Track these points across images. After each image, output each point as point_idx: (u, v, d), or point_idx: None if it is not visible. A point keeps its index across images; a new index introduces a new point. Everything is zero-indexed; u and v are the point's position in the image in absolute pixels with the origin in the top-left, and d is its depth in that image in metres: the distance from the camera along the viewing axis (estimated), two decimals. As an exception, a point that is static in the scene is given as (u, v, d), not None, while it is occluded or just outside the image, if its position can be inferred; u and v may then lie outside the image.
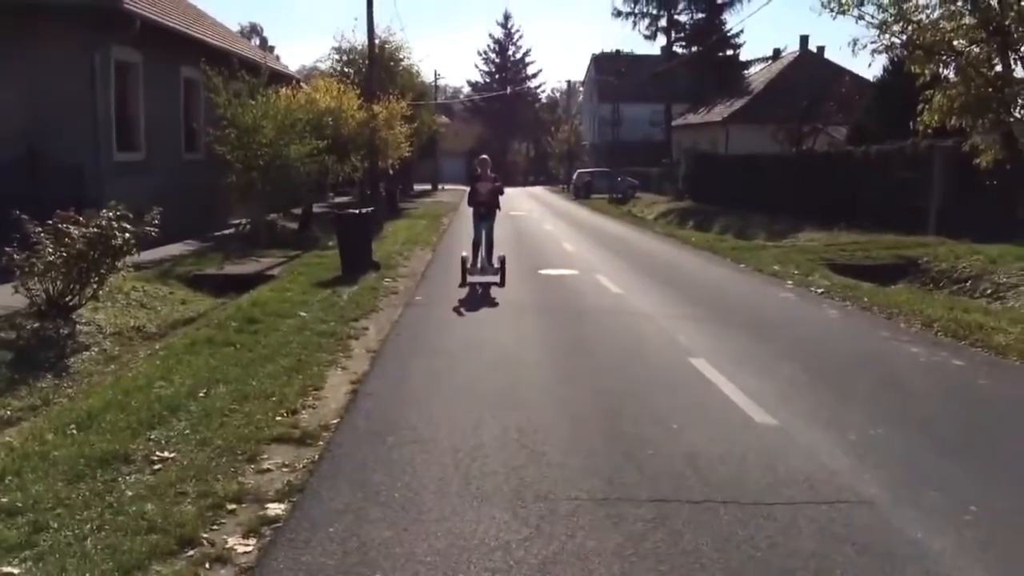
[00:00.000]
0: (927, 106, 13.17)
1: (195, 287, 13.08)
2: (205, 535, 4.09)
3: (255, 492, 4.64)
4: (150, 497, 4.45)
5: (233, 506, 4.45)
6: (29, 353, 7.85)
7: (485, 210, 13.22)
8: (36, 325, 8.52)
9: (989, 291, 13.31)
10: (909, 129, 15.41)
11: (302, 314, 10.02)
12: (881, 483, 4.98)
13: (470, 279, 12.60)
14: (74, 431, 5.47)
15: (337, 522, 4.28)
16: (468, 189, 13.59)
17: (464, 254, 13.00)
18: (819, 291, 13.11)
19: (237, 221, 19.35)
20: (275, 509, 4.43)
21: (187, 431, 5.58)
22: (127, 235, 9.19)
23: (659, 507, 4.55)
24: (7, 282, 8.84)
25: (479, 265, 12.84)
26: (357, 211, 15.08)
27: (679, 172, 39.70)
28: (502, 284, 12.55)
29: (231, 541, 4.05)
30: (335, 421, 5.97)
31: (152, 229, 9.75)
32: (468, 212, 13.89)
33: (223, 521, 4.28)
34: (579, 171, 50.62)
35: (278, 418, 5.94)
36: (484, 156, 14.24)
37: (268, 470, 5.01)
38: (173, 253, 15.07)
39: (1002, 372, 8.03)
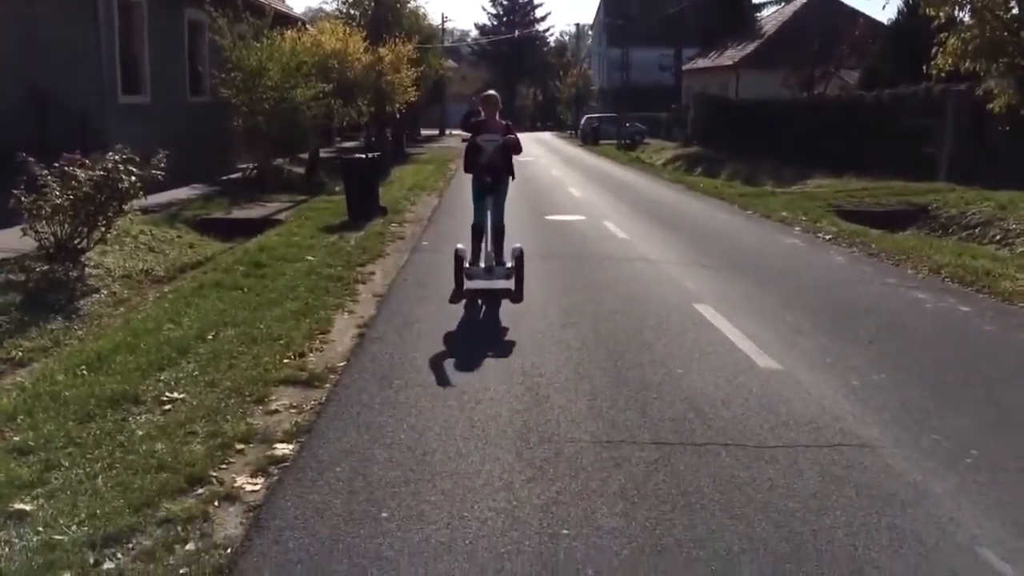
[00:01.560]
0: (941, 49, 12.92)
1: (202, 231, 13.10)
2: (214, 474, 4.16)
3: (263, 433, 4.71)
4: (160, 437, 4.52)
5: (241, 446, 4.51)
6: (39, 295, 7.90)
7: (492, 179, 8.20)
8: (45, 268, 8.56)
9: (998, 237, 13.24)
10: (922, 73, 15.14)
11: (309, 259, 10.05)
12: (883, 427, 5.02)
13: (469, 285, 8.25)
14: (84, 372, 5.53)
15: (344, 462, 4.34)
16: (465, 142, 8.49)
17: (459, 247, 8.36)
18: (827, 237, 13.05)
19: (244, 165, 19.28)
20: (283, 449, 4.49)
21: (196, 373, 5.64)
22: (134, 178, 9.17)
23: (661, 449, 4.60)
24: (15, 225, 8.86)
25: (483, 264, 8.26)
26: (364, 156, 14.99)
27: (688, 117, 39.24)
28: (518, 298, 8.01)
29: (240, 480, 4.12)
30: (342, 364, 6.02)
31: (159, 173, 9.73)
32: (467, 178, 8.73)
33: (232, 461, 4.35)
34: (587, 116, 50.05)
35: (285, 361, 5.99)
36: (491, 92, 8.92)
37: (276, 411, 5.07)
38: (180, 197, 15.05)
39: (1008, 318, 8.02)
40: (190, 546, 3.48)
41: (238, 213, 14.77)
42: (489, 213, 8.21)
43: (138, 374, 5.52)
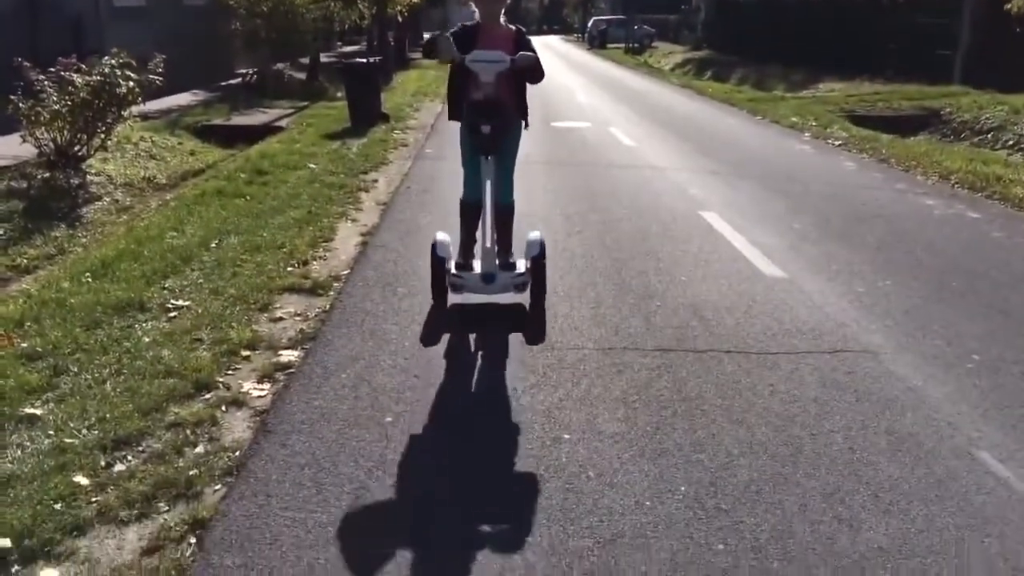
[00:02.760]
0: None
1: (203, 138, 12.95)
2: (221, 380, 4.20)
3: (268, 340, 4.74)
4: (166, 343, 4.56)
5: (247, 353, 4.55)
6: (41, 203, 7.87)
7: (492, 127, 4.72)
8: (46, 175, 8.50)
9: (1011, 143, 13.03)
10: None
11: (311, 166, 9.95)
12: (886, 333, 5.03)
13: (456, 300, 5.30)
14: (89, 279, 5.55)
15: (349, 368, 4.38)
16: (449, 69, 5.06)
17: (439, 237, 5.28)
18: (837, 143, 12.86)
19: (243, 71, 18.93)
20: (288, 356, 4.53)
21: (200, 280, 5.65)
22: (131, 84, 9.02)
23: (664, 356, 4.63)
24: (14, 132, 8.76)
25: (478, 267, 5.18)
26: (365, 61, 14.66)
27: (698, 20, 38.21)
28: (538, 331, 4.98)
29: (246, 386, 4.16)
30: (345, 272, 6.02)
31: (156, 78, 9.56)
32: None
33: (238, 367, 4.39)
34: (594, 19, 48.79)
35: (289, 269, 5.99)
36: None
37: (281, 319, 5.09)
38: (179, 103, 14.83)
39: (1018, 225, 7.96)
40: (199, 449, 3.54)
41: (238, 119, 14.57)
42: (489, 184, 4.85)
43: (143, 282, 5.53)
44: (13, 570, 2.75)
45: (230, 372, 4.32)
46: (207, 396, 4.03)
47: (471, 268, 5.19)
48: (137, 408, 3.79)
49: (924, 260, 6.70)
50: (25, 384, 3.97)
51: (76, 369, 4.19)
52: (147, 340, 4.60)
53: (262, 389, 4.15)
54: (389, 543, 2.95)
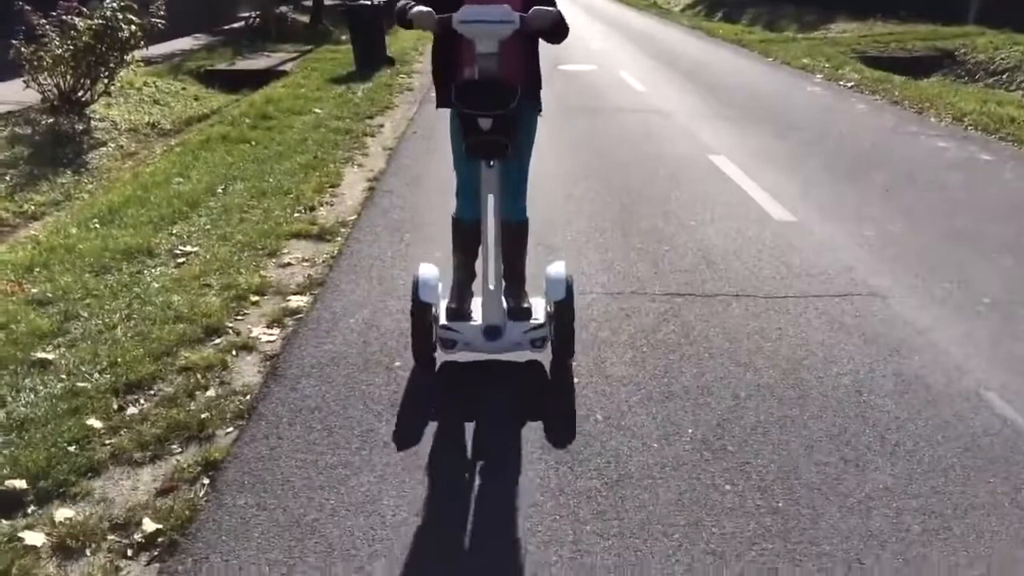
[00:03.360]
0: None
1: (207, 83, 12.83)
2: (230, 325, 4.22)
3: (277, 285, 4.74)
4: (175, 289, 4.57)
5: (256, 298, 4.56)
6: (46, 148, 7.83)
7: (496, 122, 3.20)
8: (51, 121, 8.45)
9: (1027, 85, 12.83)
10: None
11: (317, 111, 9.86)
12: (895, 276, 5.01)
13: (449, 355, 3.80)
14: (97, 225, 5.55)
15: (357, 314, 4.39)
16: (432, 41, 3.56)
17: (422, 270, 3.74)
18: (849, 85, 12.67)
19: (246, 14, 18.66)
20: (297, 301, 4.54)
21: (208, 226, 5.64)
22: (134, 27, 8.90)
23: (671, 301, 4.62)
24: (16, 77, 8.68)
25: (477, 315, 3.76)
26: (370, 3, 14.41)
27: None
28: (562, 393, 3.67)
29: (256, 331, 4.18)
30: (352, 218, 6.00)
31: (159, 21, 9.43)
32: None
33: (247, 312, 4.41)
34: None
35: (296, 214, 5.98)
36: None
37: (289, 264, 5.10)
38: (182, 48, 14.66)
39: (1030, 168, 7.87)
40: (210, 392, 3.57)
41: (242, 64, 14.42)
42: (491, 199, 3.45)
43: (150, 228, 5.53)
44: (29, 510, 2.80)
45: (239, 317, 4.34)
46: (217, 341, 4.05)
47: (469, 316, 3.76)
48: (148, 353, 3.82)
49: (935, 202, 6.64)
50: (36, 329, 3.99)
51: (86, 314, 4.22)
52: (156, 286, 4.61)
53: (271, 334, 4.16)
54: (398, 486, 2.99)
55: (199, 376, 3.68)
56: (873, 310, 4.52)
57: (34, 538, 2.64)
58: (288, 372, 3.77)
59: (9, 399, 3.41)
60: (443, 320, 3.76)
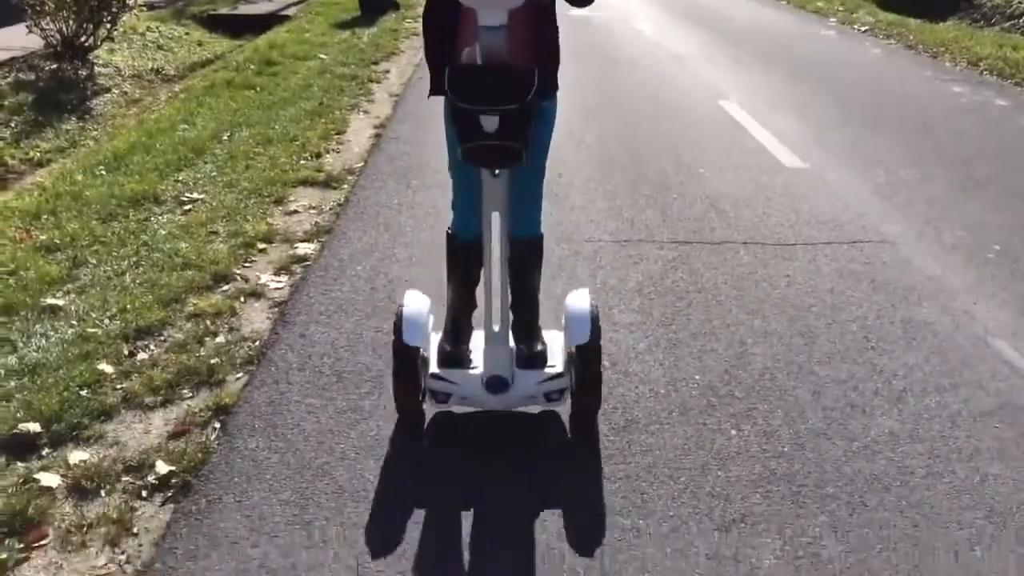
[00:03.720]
0: None
1: (210, 28, 12.68)
2: (238, 272, 4.22)
3: (284, 232, 4.74)
4: (183, 236, 4.57)
5: (263, 246, 4.56)
6: (50, 95, 7.78)
7: (506, 120, 2.36)
8: (54, 67, 8.38)
9: (1045, 28, 12.57)
10: None
11: (321, 56, 9.75)
12: (906, 223, 4.97)
13: (438, 405, 2.97)
14: (103, 172, 5.53)
15: (365, 260, 4.39)
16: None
17: (407, 306, 2.90)
18: (863, 29, 12.46)
19: (249, -43, 18.34)
20: (304, 248, 4.54)
21: (213, 173, 5.62)
22: (135, -29, 8.78)
23: (680, 248, 4.60)
24: (19, 22, 8.59)
25: (477, 363, 2.93)
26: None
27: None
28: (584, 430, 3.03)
29: (263, 278, 4.19)
30: (359, 165, 5.97)
31: (160, -36, 9.29)
32: None
33: (254, 259, 4.41)
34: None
35: (302, 161, 5.94)
36: None
37: (295, 212, 5.08)
38: (185, -8, 14.46)
39: (1045, 114, 7.75)
40: (219, 339, 3.59)
41: (245, 9, 14.23)
42: (495, 216, 2.68)
43: (156, 174, 5.51)
44: (44, 452, 2.84)
45: (247, 264, 4.34)
46: (225, 288, 4.06)
47: (467, 361, 2.97)
48: (157, 299, 3.83)
49: (948, 149, 6.57)
50: (45, 276, 4.00)
51: (95, 261, 4.22)
52: (163, 233, 4.61)
53: (279, 281, 4.17)
54: (407, 430, 3.01)
55: (208, 322, 3.70)
56: (883, 257, 4.50)
57: (49, 479, 2.68)
58: (297, 318, 3.78)
59: (21, 344, 3.44)
60: (434, 367, 2.92)
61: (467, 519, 2.61)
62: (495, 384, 2.85)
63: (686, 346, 3.61)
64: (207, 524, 2.55)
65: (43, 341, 3.46)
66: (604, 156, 6.21)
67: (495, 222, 2.67)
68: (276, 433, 2.98)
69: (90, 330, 3.54)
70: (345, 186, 5.53)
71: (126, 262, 4.22)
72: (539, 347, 3.01)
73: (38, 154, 6.45)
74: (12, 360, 3.33)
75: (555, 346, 3.05)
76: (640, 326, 3.77)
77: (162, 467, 2.76)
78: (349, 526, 2.55)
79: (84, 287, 3.96)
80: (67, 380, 3.18)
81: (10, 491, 2.63)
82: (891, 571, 2.40)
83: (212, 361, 3.39)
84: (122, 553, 2.44)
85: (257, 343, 3.57)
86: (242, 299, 3.95)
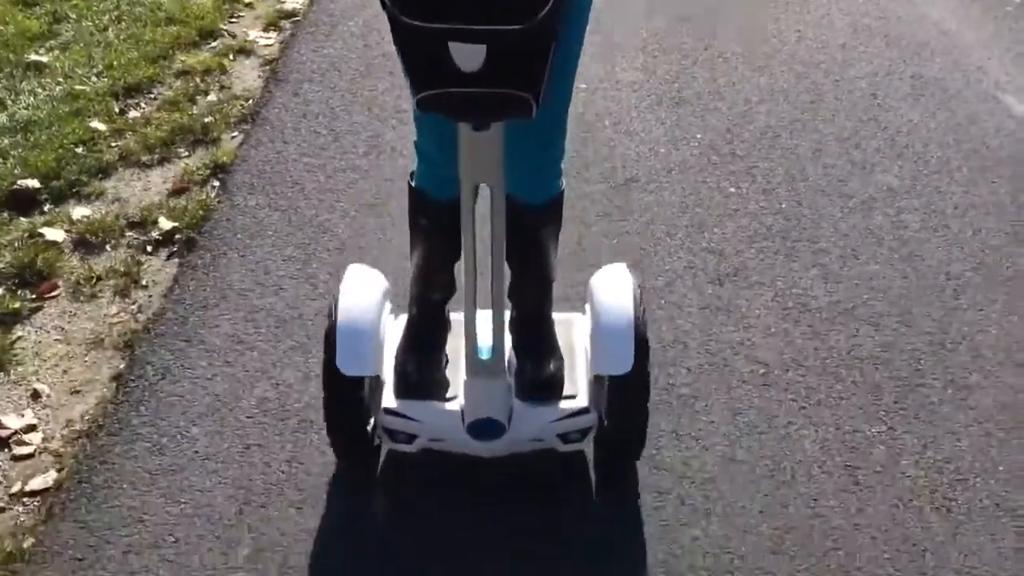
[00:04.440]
0: None
1: None
2: (225, 27, 4.05)
3: (271, -14, 4.50)
4: (164, -10, 4.34)
5: (249, 0, 4.35)
6: None
7: (491, 57, 1.28)
8: None
9: None
10: None
11: None
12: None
13: (397, 446, 1.87)
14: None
15: (356, 16, 4.20)
16: None
17: (342, 314, 1.76)
18: None
19: None
20: (292, 3, 4.32)
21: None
22: None
23: (687, 4, 4.38)
24: None
25: (456, 400, 1.80)
26: None
27: None
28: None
29: (252, 34, 4.03)
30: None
31: None
32: None
33: (241, 15, 4.22)
34: None
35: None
36: None
37: (281, -37, 4.80)
38: None
39: None
40: (211, 97, 3.51)
41: None
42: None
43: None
44: (45, 208, 2.86)
45: (233, 20, 4.16)
46: (213, 44, 3.92)
47: (441, 386, 1.88)
48: (143, 56, 3.71)
49: None
50: (26, 31, 3.85)
51: (75, 16, 4.03)
52: (144, -13, 4.37)
53: (268, 37, 4.02)
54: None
55: (198, 80, 3.60)
56: (898, 11, 4.29)
57: (54, 234, 2.72)
58: (289, 76, 3.68)
59: (9, 102, 3.37)
60: (389, 398, 1.84)
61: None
62: (482, 430, 1.77)
63: (689, 104, 3.53)
64: (213, 277, 2.61)
65: (32, 99, 3.39)
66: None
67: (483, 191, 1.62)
68: (276, 191, 2.99)
69: (78, 87, 3.45)
70: (333, -64, 5.17)
71: (107, 17, 4.04)
72: (551, 367, 1.87)
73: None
74: (3, 118, 3.27)
75: (575, 371, 1.90)
76: (643, 85, 3.67)
77: (165, 223, 2.79)
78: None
79: (67, 43, 3.81)
80: (60, 137, 3.14)
81: (16, 245, 2.67)
82: (875, 318, 2.49)
83: (206, 119, 3.33)
84: (133, 303, 2.52)
85: (250, 101, 3.50)
86: (231, 56, 3.82)
